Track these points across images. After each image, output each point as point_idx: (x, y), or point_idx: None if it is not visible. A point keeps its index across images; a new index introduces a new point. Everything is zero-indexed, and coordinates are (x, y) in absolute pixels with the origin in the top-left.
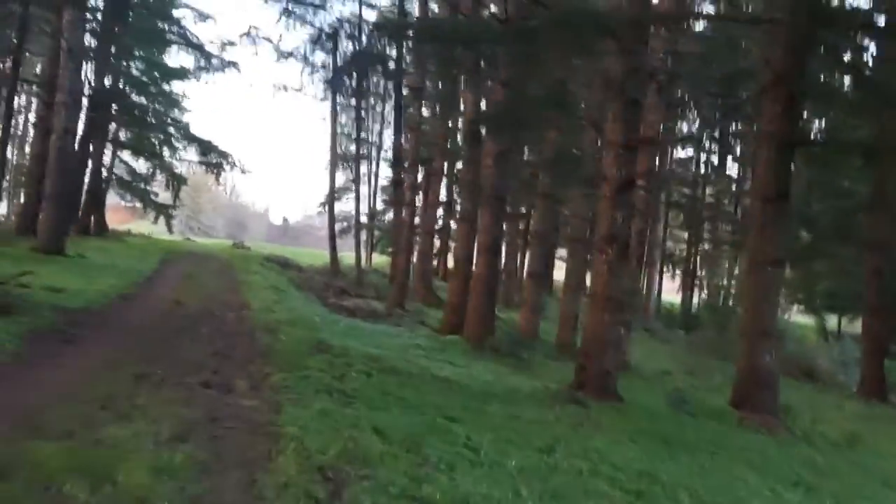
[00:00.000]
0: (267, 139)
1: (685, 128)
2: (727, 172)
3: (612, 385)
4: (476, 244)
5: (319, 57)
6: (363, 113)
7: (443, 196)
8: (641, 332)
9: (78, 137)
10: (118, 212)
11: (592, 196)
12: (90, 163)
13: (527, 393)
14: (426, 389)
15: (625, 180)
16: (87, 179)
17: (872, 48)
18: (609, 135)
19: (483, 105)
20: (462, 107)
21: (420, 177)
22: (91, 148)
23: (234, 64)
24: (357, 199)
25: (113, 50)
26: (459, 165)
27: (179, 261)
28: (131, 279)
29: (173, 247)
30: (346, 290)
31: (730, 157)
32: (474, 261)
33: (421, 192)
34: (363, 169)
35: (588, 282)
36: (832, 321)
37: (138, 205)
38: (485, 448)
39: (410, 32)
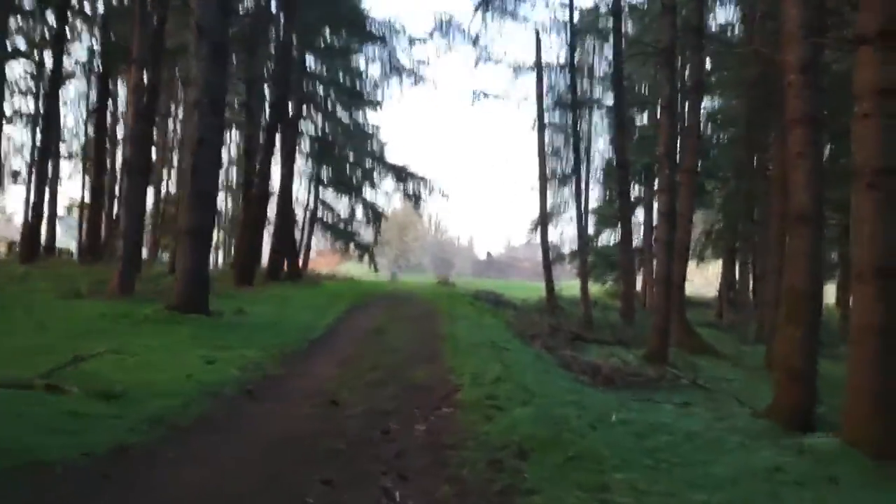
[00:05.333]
0: (465, 164)
1: None
2: None
3: None
4: (856, 265)
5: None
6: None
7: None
8: None
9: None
10: (326, 255)
11: None
12: (277, 199)
13: None
14: None
15: None
16: (273, 218)
17: None
18: None
19: None
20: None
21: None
22: (279, 182)
23: (423, 63)
24: (579, 216)
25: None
26: None
27: (373, 307)
28: (286, 347)
29: (373, 289)
30: (580, 336)
31: None
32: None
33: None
34: (571, 190)
35: None
36: None
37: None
38: None
39: None
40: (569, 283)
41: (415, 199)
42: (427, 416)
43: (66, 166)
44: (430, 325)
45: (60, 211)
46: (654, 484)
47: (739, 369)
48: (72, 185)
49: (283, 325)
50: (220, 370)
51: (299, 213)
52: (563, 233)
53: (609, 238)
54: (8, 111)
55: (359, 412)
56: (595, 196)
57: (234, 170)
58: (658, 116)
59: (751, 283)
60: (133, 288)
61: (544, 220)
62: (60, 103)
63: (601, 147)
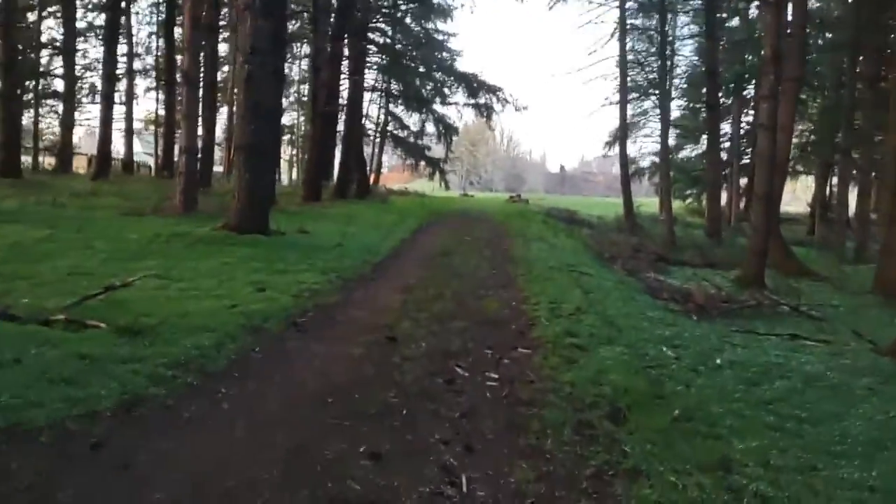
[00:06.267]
0: (538, 77)
1: None
2: None
3: None
4: None
5: None
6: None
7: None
8: None
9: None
10: (397, 171)
11: None
12: (346, 113)
13: None
14: None
15: None
16: (341, 131)
17: None
18: None
19: None
20: None
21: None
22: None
23: None
24: (664, 127)
25: None
26: None
27: (441, 226)
28: (346, 271)
29: (443, 206)
30: (664, 257)
31: None
32: None
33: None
34: (652, 101)
35: None
36: None
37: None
38: None
39: None
40: (646, 200)
41: (487, 112)
42: (499, 358)
43: (142, 83)
44: (502, 246)
45: (137, 127)
46: (785, 453)
47: (844, 294)
48: (150, 102)
49: (346, 246)
50: (269, 298)
51: (370, 128)
52: (641, 147)
53: (690, 153)
54: (82, 25)
55: (420, 352)
56: (676, 107)
57: (306, 86)
58: (757, 16)
59: (848, 198)
60: (195, 205)
61: (624, 132)
62: (133, 18)
63: (686, 54)
